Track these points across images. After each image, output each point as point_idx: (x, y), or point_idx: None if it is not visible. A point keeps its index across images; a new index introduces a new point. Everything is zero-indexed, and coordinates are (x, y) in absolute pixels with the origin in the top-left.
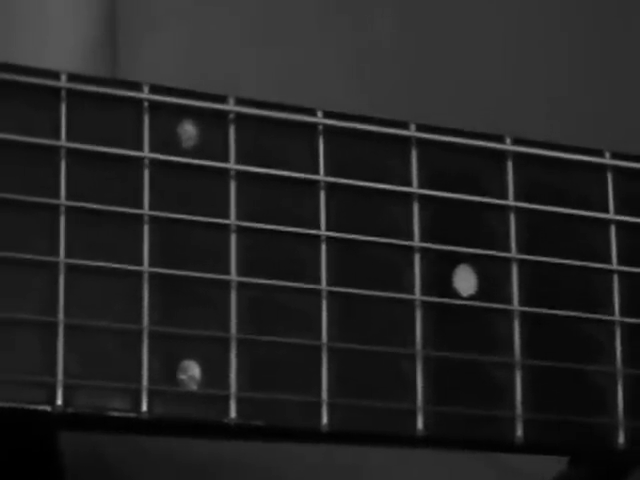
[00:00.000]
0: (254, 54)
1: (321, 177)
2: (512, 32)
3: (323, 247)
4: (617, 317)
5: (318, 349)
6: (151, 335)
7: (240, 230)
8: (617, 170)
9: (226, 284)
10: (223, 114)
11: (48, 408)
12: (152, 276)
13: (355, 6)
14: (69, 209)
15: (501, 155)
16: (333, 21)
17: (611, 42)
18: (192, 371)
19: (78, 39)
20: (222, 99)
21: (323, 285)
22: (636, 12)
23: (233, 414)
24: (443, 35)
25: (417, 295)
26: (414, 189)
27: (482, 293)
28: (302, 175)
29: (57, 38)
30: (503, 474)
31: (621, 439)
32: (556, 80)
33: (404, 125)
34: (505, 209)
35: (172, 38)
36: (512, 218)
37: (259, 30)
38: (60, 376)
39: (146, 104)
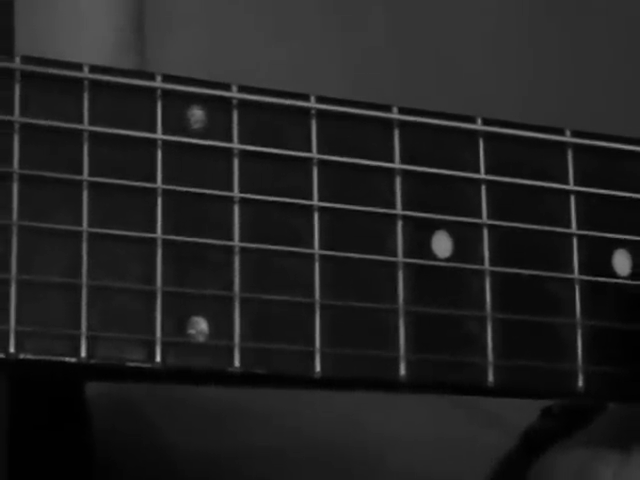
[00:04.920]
0: (266, 51)
1: (314, 155)
2: (503, 33)
3: (316, 216)
4: (576, 275)
5: (312, 305)
6: (164, 295)
7: (242, 202)
8: (576, 146)
9: (230, 249)
10: (227, 100)
11: (73, 359)
12: (165, 242)
13: (352, 6)
14: (91, 184)
15: (473, 134)
16: (334, 21)
17: (586, 31)
18: (200, 326)
19: (108, 39)
20: (227, 86)
21: (316, 249)
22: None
23: (237, 363)
24: (437, 34)
25: (399, 257)
26: (396, 165)
27: (457, 255)
28: (297, 153)
29: (89, 37)
30: (483, 423)
31: (580, 383)
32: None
33: (387, 108)
34: (477, 181)
35: (193, 38)
36: (483, 189)
37: (271, 29)
38: (84, 331)
39: (159, 91)
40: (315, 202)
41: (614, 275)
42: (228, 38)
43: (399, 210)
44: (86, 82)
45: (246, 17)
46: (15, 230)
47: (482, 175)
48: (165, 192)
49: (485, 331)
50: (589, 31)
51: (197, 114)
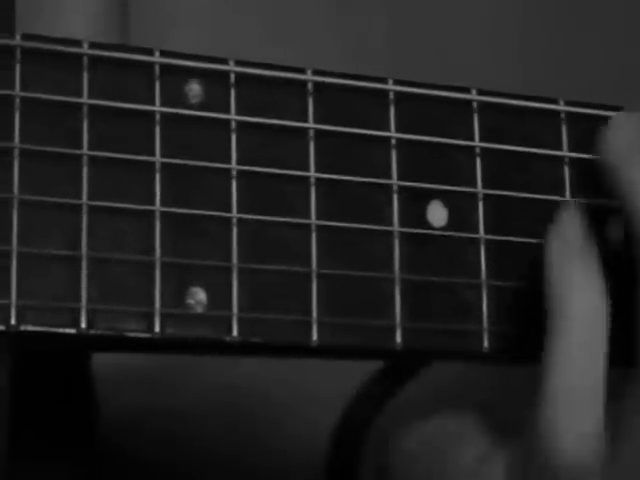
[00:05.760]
0: (265, 52)
1: (310, 125)
2: (499, 23)
3: (312, 187)
4: None
5: (308, 275)
6: (163, 265)
7: (240, 174)
8: (569, 115)
9: (228, 220)
10: (224, 74)
11: (73, 330)
12: (163, 215)
13: (352, 6)
14: (91, 158)
15: (468, 104)
16: (334, 21)
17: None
18: (199, 296)
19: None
20: (224, 61)
21: (313, 219)
22: None
23: (235, 333)
24: (435, 32)
25: (395, 227)
26: (392, 134)
27: (452, 224)
28: (294, 123)
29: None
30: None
31: None
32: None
33: (383, 80)
34: (472, 151)
35: (192, 38)
36: (478, 159)
37: (271, 29)
38: (84, 302)
39: (157, 66)
40: (312, 173)
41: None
42: (227, 38)
43: (395, 180)
44: (85, 58)
45: (245, 17)
46: (16, 203)
47: (477, 143)
48: (164, 165)
49: (480, 298)
50: (583, 18)
51: (195, 89)
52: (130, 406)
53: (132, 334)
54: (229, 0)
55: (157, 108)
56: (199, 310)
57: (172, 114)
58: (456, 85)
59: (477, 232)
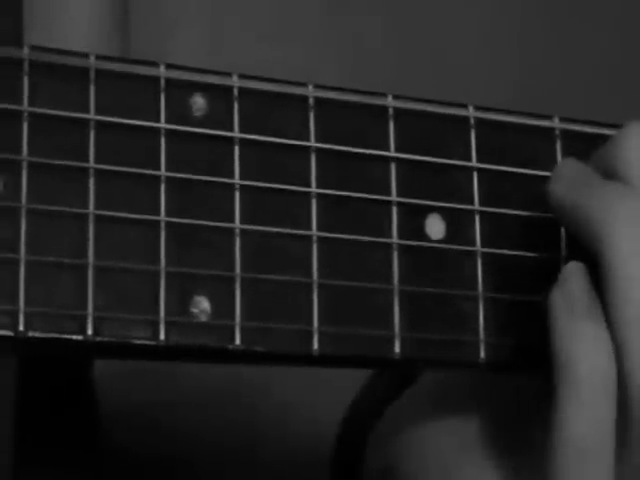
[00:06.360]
0: (265, 52)
1: (312, 143)
2: (495, 27)
3: (314, 202)
4: (563, 254)
5: (310, 285)
6: (167, 275)
7: (243, 187)
8: (564, 133)
9: (231, 231)
10: (228, 88)
11: (80, 337)
12: (168, 225)
13: (350, 6)
14: (97, 171)
15: (465, 120)
16: (333, 21)
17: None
18: (202, 305)
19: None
20: (227, 75)
21: (314, 231)
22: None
23: (237, 341)
24: (434, 33)
25: (394, 239)
26: (392, 153)
27: (449, 237)
28: (295, 142)
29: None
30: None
31: None
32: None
33: (383, 95)
34: (469, 168)
35: (192, 38)
36: (475, 173)
37: (270, 31)
38: (90, 310)
39: (162, 80)
40: (313, 189)
41: None
42: (227, 40)
43: (394, 196)
44: (92, 70)
45: (245, 18)
46: (24, 213)
47: (474, 163)
48: (168, 179)
49: (477, 310)
50: (579, 25)
51: (199, 102)
52: (131, 400)
53: (137, 341)
54: (229, 3)
55: (162, 125)
56: (203, 319)
57: (177, 129)
58: (454, 102)
59: (474, 245)
